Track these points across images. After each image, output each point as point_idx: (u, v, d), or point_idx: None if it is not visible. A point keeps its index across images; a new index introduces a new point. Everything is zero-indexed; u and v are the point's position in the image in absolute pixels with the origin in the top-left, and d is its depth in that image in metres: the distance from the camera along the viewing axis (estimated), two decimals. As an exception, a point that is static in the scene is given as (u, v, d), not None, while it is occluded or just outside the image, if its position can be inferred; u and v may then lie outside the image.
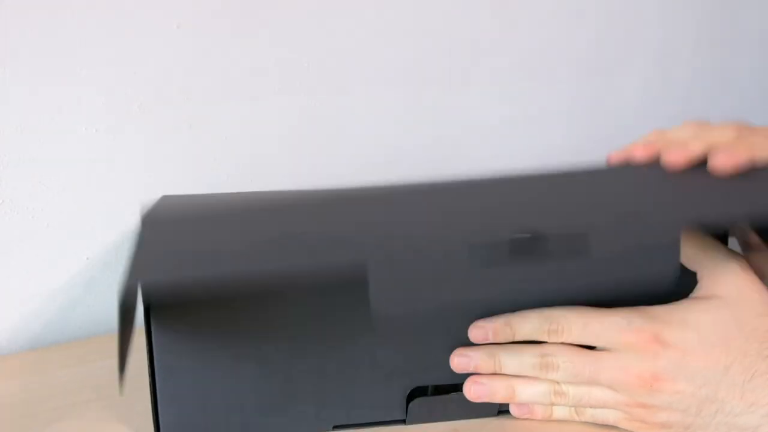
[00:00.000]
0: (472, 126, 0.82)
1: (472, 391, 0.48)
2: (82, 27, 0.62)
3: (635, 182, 0.47)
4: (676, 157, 0.46)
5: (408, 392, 0.49)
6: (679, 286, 0.44)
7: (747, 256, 0.49)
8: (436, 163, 0.80)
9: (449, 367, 0.49)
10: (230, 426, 0.49)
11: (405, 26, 0.75)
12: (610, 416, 0.47)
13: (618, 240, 0.42)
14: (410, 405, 0.49)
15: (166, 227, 0.46)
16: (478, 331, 0.47)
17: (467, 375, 0.49)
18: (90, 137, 0.64)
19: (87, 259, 0.66)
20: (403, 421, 0.50)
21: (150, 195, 0.67)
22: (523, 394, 0.48)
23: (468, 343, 0.48)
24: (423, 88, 0.78)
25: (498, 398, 0.48)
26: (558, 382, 0.47)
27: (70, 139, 0.63)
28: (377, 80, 0.75)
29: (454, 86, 0.79)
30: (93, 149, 0.64)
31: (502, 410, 0.50)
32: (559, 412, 0.48)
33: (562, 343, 0.46)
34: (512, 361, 0.47)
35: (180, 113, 0.68)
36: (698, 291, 0.46)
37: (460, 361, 0.48)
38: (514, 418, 0.50)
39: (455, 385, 0.50)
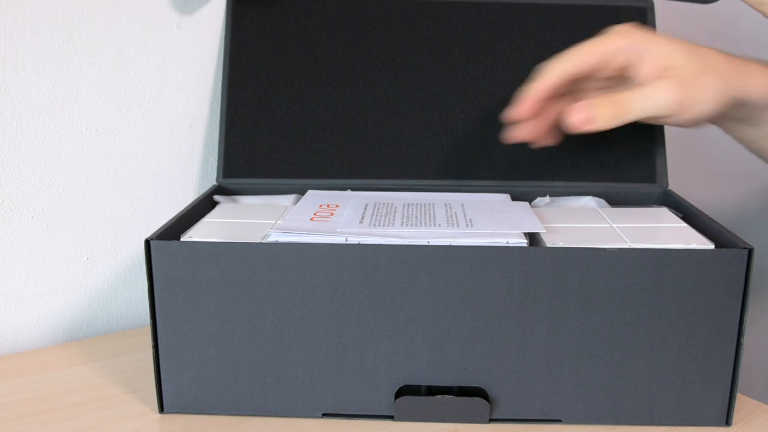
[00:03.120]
0: None
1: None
2: (82, 27, 0.62)
3: None
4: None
5: (396, 389, 0.50)
6: None
7: None
8: None
9: (438, 368, 0.49)
10: (224, 403, 0.50)
11: None
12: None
13: None
14: (397, 401, 0.49)
15: None
16: None
17: (459, 377, 0.49)
18: (90, 137, 0.64)
19: (87, 259, 0.66)
20: (392, 417, 0.50)
21: (150, 195, 0.68)
22: None
23: (462, 349, 0.48)
24: None
25: None
26: None
27: (70, 139, 0.63)
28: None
29: None
30: (93, 149, 0.64)
31: (493, 418, 0.50)
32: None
33: None
34: None
35: (180, 113, 0.68)
36: None
37: None
38: (509, 424, 0.50)
39: (448, 388, 0.50)
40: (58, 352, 0.61)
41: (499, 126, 0.63)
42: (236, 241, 0.48)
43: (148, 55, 0.65)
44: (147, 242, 0.48)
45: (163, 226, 0.50)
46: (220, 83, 0.68)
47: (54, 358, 0.60)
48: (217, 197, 0.61)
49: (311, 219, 0.52)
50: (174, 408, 0.51)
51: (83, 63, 0.62)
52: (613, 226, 0.52)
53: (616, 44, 0.53)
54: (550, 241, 0.49)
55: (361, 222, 0.51)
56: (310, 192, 0.61)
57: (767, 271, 0.78)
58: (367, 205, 0.56)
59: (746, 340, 0.48)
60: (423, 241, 0.47)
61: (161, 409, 0.51)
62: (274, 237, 0.49)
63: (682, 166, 0.87)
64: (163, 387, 0.50)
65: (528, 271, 0.47)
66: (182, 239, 0.50)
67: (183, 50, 0.67)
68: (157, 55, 0.66)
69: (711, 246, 0.48)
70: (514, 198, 0.60)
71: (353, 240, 0.48)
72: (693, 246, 0.48)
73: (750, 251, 0.46)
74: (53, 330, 0.65)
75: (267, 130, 0.64)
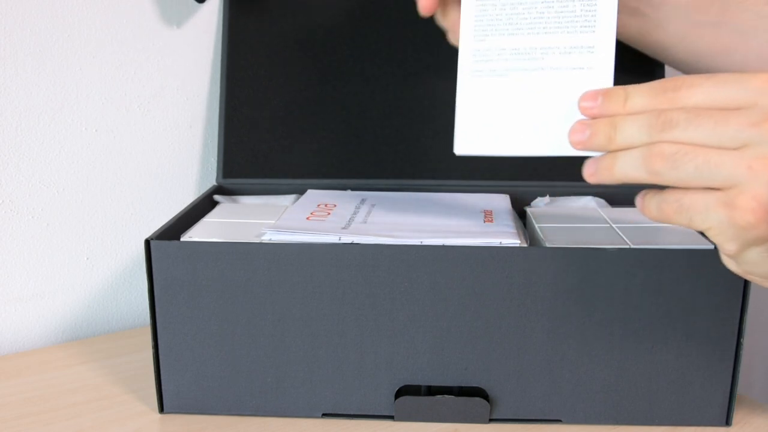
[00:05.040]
0: None
1: (572, 136, 0.41)
2: (82, 27, 0.62)
3: None
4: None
5: (396, 389, 0.50)
6: None
7: None
8: None
9: (438, 368, 0.49)
10: (224, 403, 0.50)
11: None
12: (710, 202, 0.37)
13: None
14: (397, 401, 0.49)
15: None
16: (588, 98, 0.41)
17: (459, 377, 0.49)
18: (90, 137, 0.64)
19: (87, 259, 0.66)
20: (392, 417, 0.50)
21: (150, 195, 0.68)
22: (624, 131, 0.39)
23: (462, 349, 0.48)
24: None
25: (598, 139, 0.40)
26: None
27: (70, 139, 0.63)
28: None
29: None
30: (93, 149, 0.64)
31: (493, 418, 0.50)
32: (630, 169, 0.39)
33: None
34: (627, 122, 0.39)
35: (180, 113, 0.68)
36: None
37: (585, 105, 0.41)
38: (509, 424, 0.50)
39: (448, 388, 0.50)
40: (58, 352, 0.61)
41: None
42: (236, 241, 0.48)
43: (148, 55, 0.65)
44: (147, 242, 0.48)
45: (163, 226, 0.50)
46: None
47: (54, 358, 0.60)
48: (217, 197, 0.61)
49: (307, 218, 0.52)
50: (174, 408, 0.51)
51: (83, 63, 0.62)
52: (613, 226, 0.52)
53: None
54: (551, 241, 0.49)
55: (351, 222, 0.52)
56: (309, 191, 0.61)
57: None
58: (359, 205, 0.56)
59: (746, 340, 0.48)
60: (416, 241, 0.47)
61: (161, 410, 0.51)
62: (269, 236, 0.49)
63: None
64: (163, 387, 0.50)
65: (528, 271, 0.47)
66: (182, 239, 0.50)
67: (183, 50, 0.67)
68: (157, 55, 0.66)
69: (711, 246, 0.48)
70: (514, 198, 0.60)
71: (346, 239, 0.48)
72: (693, 246, 0.48)
73: None
74: (53, 330, 0.65)
75: (266, 130, 0.64)
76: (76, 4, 0.61)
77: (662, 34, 0.56)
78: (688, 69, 0.58)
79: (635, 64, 0.61)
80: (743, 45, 0.55)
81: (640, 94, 0.40)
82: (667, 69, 0.62)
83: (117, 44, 0.64)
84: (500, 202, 0.58)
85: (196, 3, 0.66)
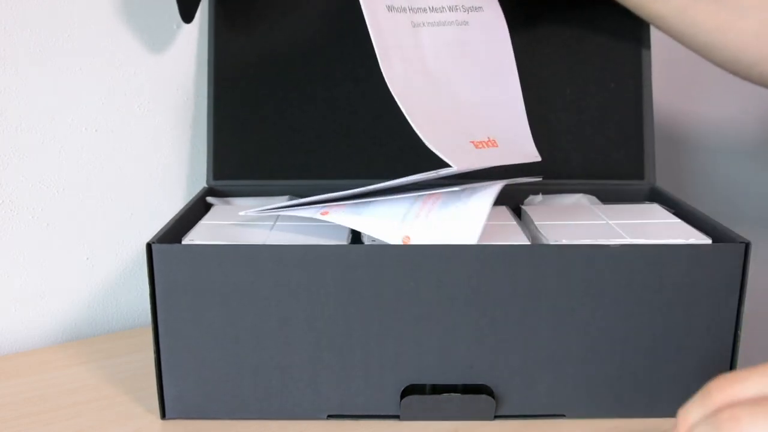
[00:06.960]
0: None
1: None
2: (83, 27, 0.62)
3: None
4: None
5: (402, 389, 0.50)
6: None
7: None
8: None
9: (444, 367, 0.49)
10: (228, 407, 0.50)
11: None
12: None
13: None
14: (403, 401, 0.49)
15: None
16: None
17: (464, 375, 0.49)
18: (90, 137, 0.64)
19: (87, 259, 0.66)
20: (397, 417, 0.50)
21: (150, 195, 0.68)
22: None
23: (467, 347, 0.48)
24: None
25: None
26: None
27: (70, 139, 0.63)
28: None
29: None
30: (93, 149, 0.64)
31: (498, 414, 0.50)
32: None
33: None
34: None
35: (180, 113, 0.68)
36: None
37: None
38: (513, 420, 0.50)
39: (453, 386, 0.50)
40: (58, 352, 0.61)
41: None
42: (237, 243, 0.48)
43: (148, 55, 0.65)
44: (149, 246, 0.47)
45: (162, 229, 0.50)
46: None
47: (54, 358, 0.60)
48: (210, 199, 0.61)
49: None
50: (176, 414, 0.50)
51: (83, 63, 0.62)
52: (610, 222, 0.53)
53: None
54: (553, 238, 0.49)
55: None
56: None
57: (764, 268, 0.78)
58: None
59: (746, 341, 0.49)
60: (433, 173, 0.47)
61: (163, 415, 0.50)
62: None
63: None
64: (165, 392, 0.50)
65: (533, 268, 0.47)
66: (183, 242, 0.49)
67: (183, 50, 0.67)
68: (157, 55, 0.66)
69: (708, 241, 0.49)
70: (506, 196, 0.59)
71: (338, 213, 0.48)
72: (692, 241, 0.48)
73: (747, 245, 0.47)
74: (53, 330, 0.65)
75: (257, 131, 0.64)
76: (76, 4, 0.61)
77: (662, 5, 0.56)
78: (684, 41, 0.58)
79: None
80: (740, 23, 0.56)
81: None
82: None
83: (117, 44, 0.64)
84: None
85: (197, 3, 0.66)
